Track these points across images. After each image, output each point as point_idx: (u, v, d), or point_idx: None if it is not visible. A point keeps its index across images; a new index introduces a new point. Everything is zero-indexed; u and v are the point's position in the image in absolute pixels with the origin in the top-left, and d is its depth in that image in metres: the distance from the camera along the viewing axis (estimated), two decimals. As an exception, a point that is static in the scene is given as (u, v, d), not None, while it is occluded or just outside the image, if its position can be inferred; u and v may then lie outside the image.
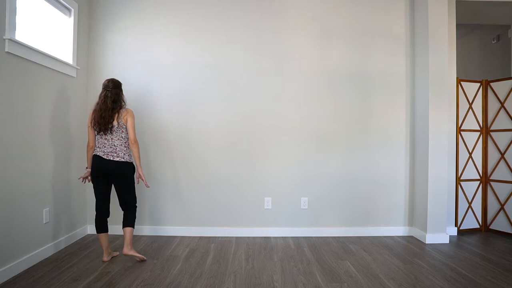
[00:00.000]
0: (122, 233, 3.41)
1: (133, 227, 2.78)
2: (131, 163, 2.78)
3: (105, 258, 2.76)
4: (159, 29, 3.54)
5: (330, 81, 3.60)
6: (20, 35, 2.60)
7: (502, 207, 3.70)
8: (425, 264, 2.77)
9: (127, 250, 2.69)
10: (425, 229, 3.38)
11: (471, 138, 3.79)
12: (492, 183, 3.79)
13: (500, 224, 3.73)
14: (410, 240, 3.45)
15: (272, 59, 3.57)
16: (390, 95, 3.63)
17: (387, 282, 2.41)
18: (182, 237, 3.47)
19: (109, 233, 3.14)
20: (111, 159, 2.67)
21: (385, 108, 3.63)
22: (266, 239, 3.47)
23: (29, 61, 2.63)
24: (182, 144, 3.54)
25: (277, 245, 3.27)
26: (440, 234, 3.35)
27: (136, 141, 2.74)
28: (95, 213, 2.80)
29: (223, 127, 3.56)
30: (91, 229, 3.53)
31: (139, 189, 3.47)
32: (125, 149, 2.74)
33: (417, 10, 3.56)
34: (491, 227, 3.81)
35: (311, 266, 2.72)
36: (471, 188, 3.80)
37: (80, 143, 3.39)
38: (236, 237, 3.50)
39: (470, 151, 3.79)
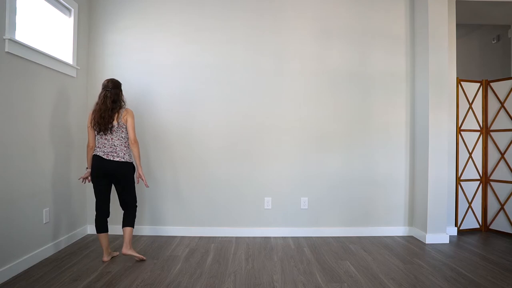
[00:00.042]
0: (122, 233, 3.41)
1: (133, 226, 2.78)
2: (131, 163, 2.78)
3: (105, 258, 2.76)
4: (159, 29, 3.54)
5: (330, 81, 3.60)
6: (20, 35, 2.60)
7: (502, 207, 3.70)
8: (425, 264, 2.77)
9: (126, 250, 2.69)
10: (425, 229, 3.38)
11: (471, 138, 3.79)
12: (492, 183, 3.79)
13: (500, 224, 3.73)
14: (410, 240, 3.45)
15: (272, 59, 3.57)
16: (390, 95, 3.63)
17: (387, 282, 2.41)
18: (182, 237, 3.47)
19: (109, 233, 3.14)
20: (111, 159, 2.67)
21: (385, 108, 3.63)
22: (266, 239, 3.47)
23: (29, 61, 2.63)
24: (182, 144, 3.55)
25: (277, 245, 3.27)
26: (440, 234, 3.35)
27: (136, 141, 2.74)
28: (95, 213, 2.80)
29: (223, 127, 3.56)
30: (91, 229, 3.53)
31: (139, 189, 3.47)
32: (125, 149, 2.74)
33: (417, 10, 3.56)
34: (491, 227, 3.81)
35: (311, 266, 2.72)
36: (471, 188, 3.80)
37: (80, 143, 3.39)
38: (236, 237, 3.50)
39: (470, 151, 3.79)
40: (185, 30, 3.55)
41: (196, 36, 3.55)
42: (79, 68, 3.35)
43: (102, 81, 2.93)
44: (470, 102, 3.78)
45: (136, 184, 2.92)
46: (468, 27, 4.67)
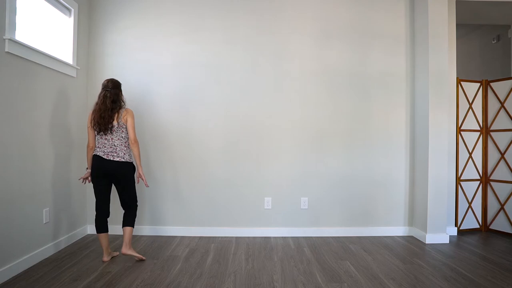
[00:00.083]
0: (122, 233, 3.41)
1: (133, 226, 2.78)
2: (131, 163, 2.78)
3: (105, 258, 2.76)
4: (159, 29, 3.54)
5: (330, 81, 3.60)
6: (20, 35, 2.60)
7: (502, 207, 3.70)
8: (425, 264, 2.77)
9: (126, 250, 2.69)
10: (425, 229, 3.38)
11: (471, 138, 3.79)
12: (492, 183, 3.79)
13: (500, 224, 3.73)
14: (410, 240, 3.45)
15: (272, 59, 3.57)
16: (390, 95, 3.63)
17: (387, 282, 2.41)
18: (182, 237, 3.47)
19: (109, 233, 3.14)
20: (111, 159, 2.67)
21: (385, 108, 3.63)
22: (266, 239, 3.47)
23: (29, 61, 2.63)
24: (182, 144, 3.55)
25: (277, 245, 3.27)
26: (440, 234, 3.35)
27: (136, 141, 2.74)
28: (95, 213, 2.80)
29: (223, 127, 3.56)
30: (91, 229, 3.53)
31: (139, 189, 3.47)
32: (125, 149, 2.74)
33: (417, 10, 3.56)
34: (491, 227, 3.81)
35: (311, 266, 2.72)
36: (471, 188, 3.80)
37: (80, 143, 3.39)
38: (236, 237, 3.50)
39: (470, 151, 3.79)
40: (185, 30, 3.55)
41: (196, 36, 3.55)
42: (79, 68, 3.35)
43: (102, 81, 2.93)
44: (470, 102, 3.78)
45: (136, 184, 2.92)
46: (468, 27, 4.67)
